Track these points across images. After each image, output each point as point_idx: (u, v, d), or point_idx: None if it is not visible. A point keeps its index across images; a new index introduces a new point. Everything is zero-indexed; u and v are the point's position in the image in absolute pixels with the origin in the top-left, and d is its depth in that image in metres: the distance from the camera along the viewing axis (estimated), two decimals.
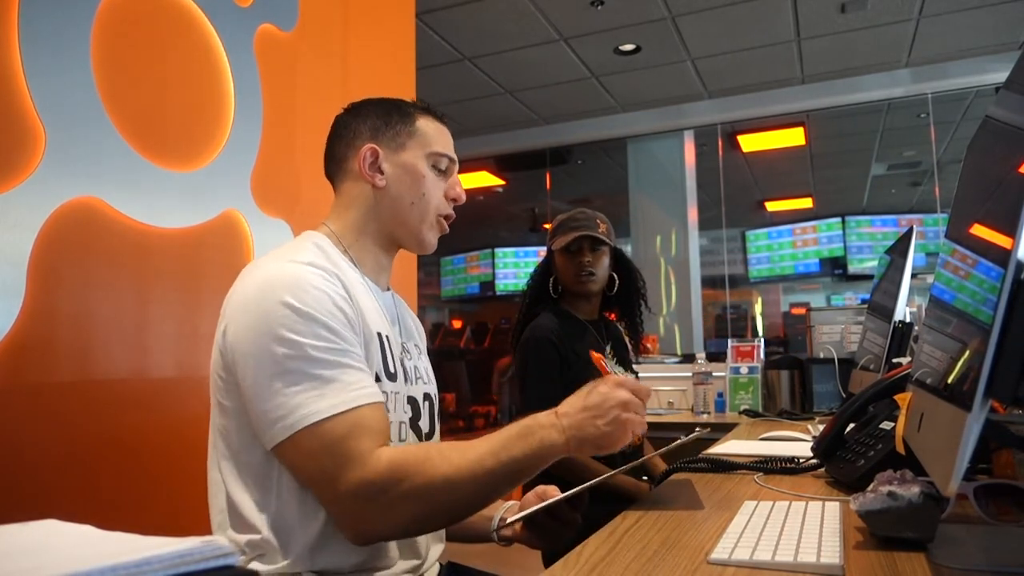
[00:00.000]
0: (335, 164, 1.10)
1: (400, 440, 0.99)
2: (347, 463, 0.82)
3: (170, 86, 1.51)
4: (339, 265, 1.00)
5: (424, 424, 1.07)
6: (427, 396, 1.10)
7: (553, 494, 1.09)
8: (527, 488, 1.07)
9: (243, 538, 0.90)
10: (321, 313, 0.88)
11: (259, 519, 0.90)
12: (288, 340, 0.85)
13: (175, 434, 1.42)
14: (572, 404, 0.92)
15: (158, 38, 1.49)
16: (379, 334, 0.99)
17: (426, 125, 1.08)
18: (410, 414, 1.03)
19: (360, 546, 0.88)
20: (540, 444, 0.88)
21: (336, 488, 0.83)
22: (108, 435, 1.33)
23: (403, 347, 1.08)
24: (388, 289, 1.13)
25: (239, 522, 0.91)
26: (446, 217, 1.10)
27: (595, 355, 0.99)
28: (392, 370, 1.00)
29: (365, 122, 1.07)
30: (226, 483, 0.93)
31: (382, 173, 1.05)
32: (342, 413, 0.84)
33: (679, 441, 1.16)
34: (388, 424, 0.90)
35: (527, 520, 1.04)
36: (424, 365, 1.14)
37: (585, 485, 1.03)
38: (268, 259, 0.96)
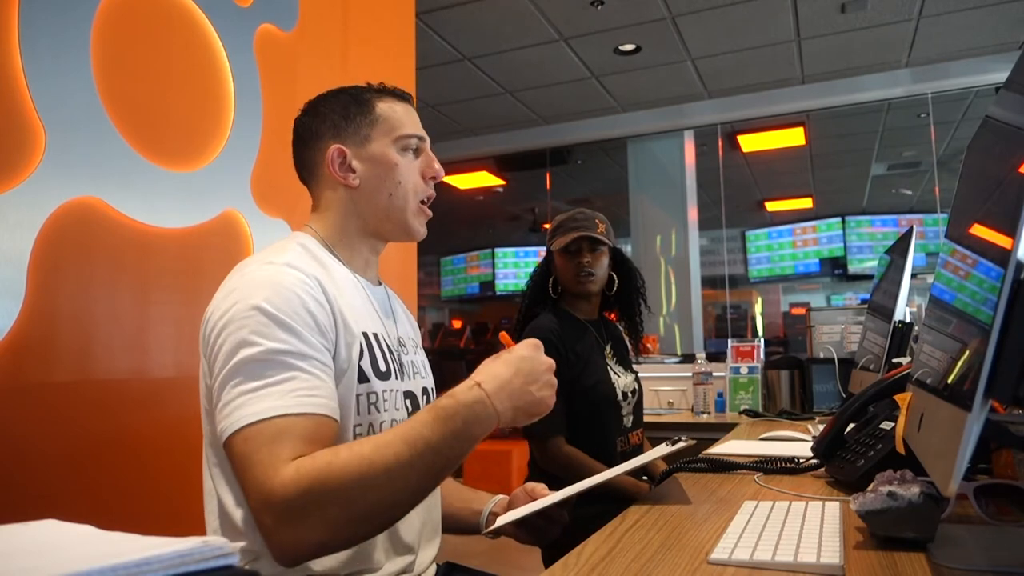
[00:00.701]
0: (306, 170, 1.07)
1: None
2: (261, 472, 0.77)
3: (170, 86, 1.51)
4: (326, 264, 0.98)
5: None
6: (425, 390, 1.09)
7: (542, 492, 1.09)
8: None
9: (236, 545, 0.89)
10: (288, 316, 0.86)
11: (249, 527, 0.89)
12: (250, 342, 0.83)
13: (175, 434, 1.42)
14: (498, 375, 0.86)
15: (158, 38, 1.49)
16: (366, 334, 0.97)
17: (387, 109, 1.05)
18: (410, 409, 1.03)
19: (288, 567, 0.80)
20: (464, 424, 0.82)
21: (251, 495, 0.78)
22: (108, 435, 1.33)
23: (399, 341, 1.07)
24: (380, 283, 1.12)
25: (230, 529, 0.90)
26: (428, 198, 1.08)
27: (503, 335, 0.97)
28: (384, 368, 0.98)
29: (325, 122, 1.04)
30: (217, 491, 0.93)
31: (354, 172, 1.03)
32: (273, 418, 0.79)
33: (663, 451, 1.16)
34: (328, 437, 0.84)
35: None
36: (421, 359, 1.13)
37: (575, 488, 1.03)
38: (250, 261, 0.94)
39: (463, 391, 0.84)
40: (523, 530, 1.08)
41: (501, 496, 1.16)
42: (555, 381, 0.90)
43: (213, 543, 0.41)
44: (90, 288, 1.33)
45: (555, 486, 1.11)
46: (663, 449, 1.16)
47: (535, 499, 1.08)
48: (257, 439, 0.78)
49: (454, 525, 1.15)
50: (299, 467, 0.77)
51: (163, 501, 1.37)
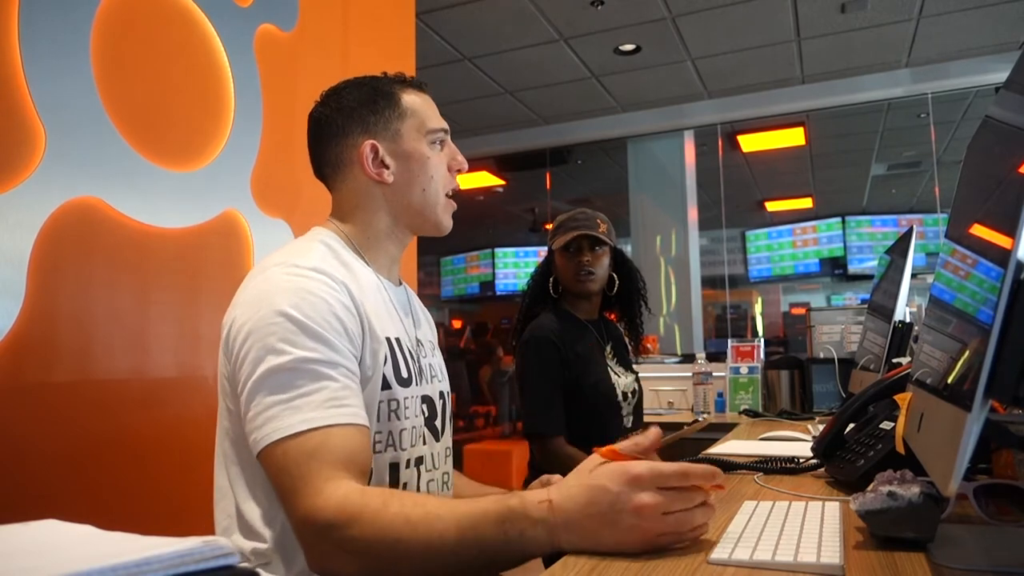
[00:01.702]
0: (329, 166, 1.05)
1: (411, 446, 0.97)
2: (303, 487, 0.76)
3: (170, 86, 1.51)
4: (351, 266, 0.97)
5: (439, 423, 1.05)
6: (442, 394, 1.08)
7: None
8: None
9: (248, 545, 0.89)
10: (316, 323, 0.85)
11: (266, 530, 0.89)
12: (278, 350, 0.82)
13: (176, 434, 1.42)
14: (573, 498, 0.72)
15: (158, 38, 1.49)
16: (390, 339, 0.96)
17: (412, 101, 1.04)
18: (426, 414, 1.02)
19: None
20: (520, 538, 0.72)
21: (291, 511, 0.78)
22: (108, 435, 1.33)
23: (418, 342, 1.06)
24: (400, 283, 1.11)
25: (246, 530, 0.90)
26: (453, 192, 1.08)
27: (607, 450, 0.77)
28: (406, 375, 0.97)
29: (351, 116, 1.02)
30: (234, 490, 0.92)
31: (387, 167, 1.01)
32: (309, 431, 0.79)
33: (683, 431, 1.16)
34: (363, 450, 0.83)
35: None
36: (438, 362, 1.12)
37: None
38: (274, 262, 0.92)
39: (533, 503, 0.73)
40: None
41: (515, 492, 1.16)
42: (647, 527, 0.70)
43: (213, 543, 0.41)
44: (90, 288, 1.33)
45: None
46: (691, 427, 1.16)
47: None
48: (295, 453, 0.78)
49: None
50: (346, 498, 0.75)
51: (163, 501, 1.37)
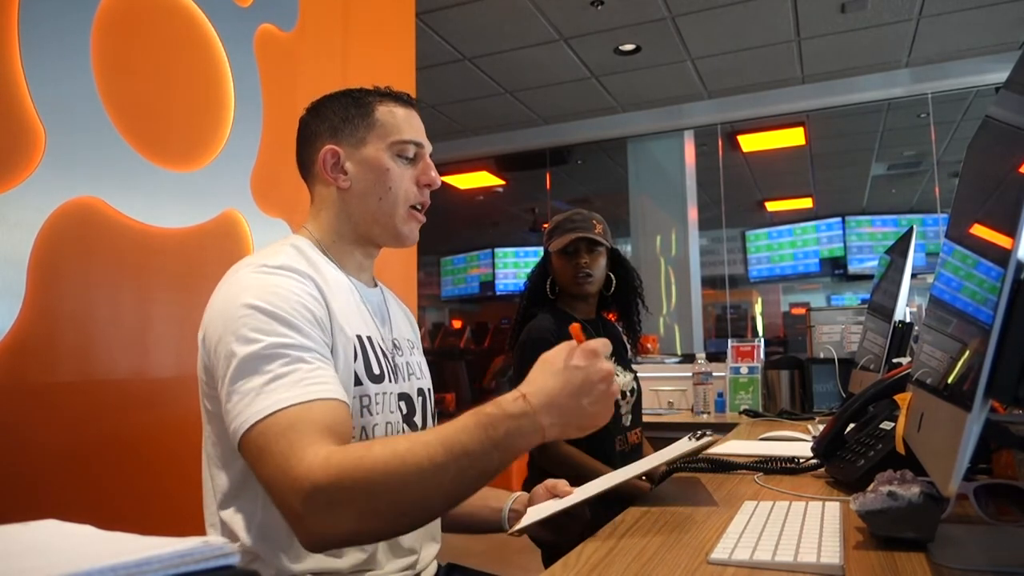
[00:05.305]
0: (304, 168, 1.08)
1: None
2: (284, 462, 0.75)
3: (170, 86, 1.51)
4: (319, 266, 0.98)
5: (419, 419, 1.06)
6: (421, 391, 1.09)
7: (564, 489, 1.08)
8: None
9: (236, 545, 0.90)
10: (286, 312, 0.86)
11: (244, 531, 0.90)
12: (248, 339, 0.83)
13: (176, 434, 1.42)
14: (546, 386, 0.80)
15: (158, 38, 1.49)
16: (359, 337, 0.97)
17: (386, 114, 1.04)
18: (404, 411, 1.02)
19: (315, 552, 0.80)
20: (506, 436, 0.77)
21: (280, 488, 0.76)
22: (109, 435, 1.33)
23: (394, 343, 1.07)
24: (376, 285, 1.11)
25: (227, 533, 0.91)
26: (421, 205, 1.06)
27: (574, 327, 0.87)
28: (377, 371, 0.98)
29: (324, 122, 1.04)
30: (216, 491, 0.93)
31: (345, 173, 1.02)
32: (282, 410, 0.78)
33: (687, 445, 1.11)
34: (344, 421, 0.82)
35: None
36: (417, 360, 1.12)
37: (603, 485, 1.03)
38: (242, 265, 0.94)
39: (508, 401, 0.80)
40: (547, 528, 1.07)
41: (520, 493, 1.16)
42: (613, 390, 0.83)
43: (213, 543, 0.41)
44: (90, 288, 1.33)
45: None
46: (685, 444, 1.12)
47: (557, 495, 1.08)
48: (272, 430, 0.77)
49: (470, 522, 1.14)
50: (330, 456, 0.75)
51: (163, 501, 1.37)
